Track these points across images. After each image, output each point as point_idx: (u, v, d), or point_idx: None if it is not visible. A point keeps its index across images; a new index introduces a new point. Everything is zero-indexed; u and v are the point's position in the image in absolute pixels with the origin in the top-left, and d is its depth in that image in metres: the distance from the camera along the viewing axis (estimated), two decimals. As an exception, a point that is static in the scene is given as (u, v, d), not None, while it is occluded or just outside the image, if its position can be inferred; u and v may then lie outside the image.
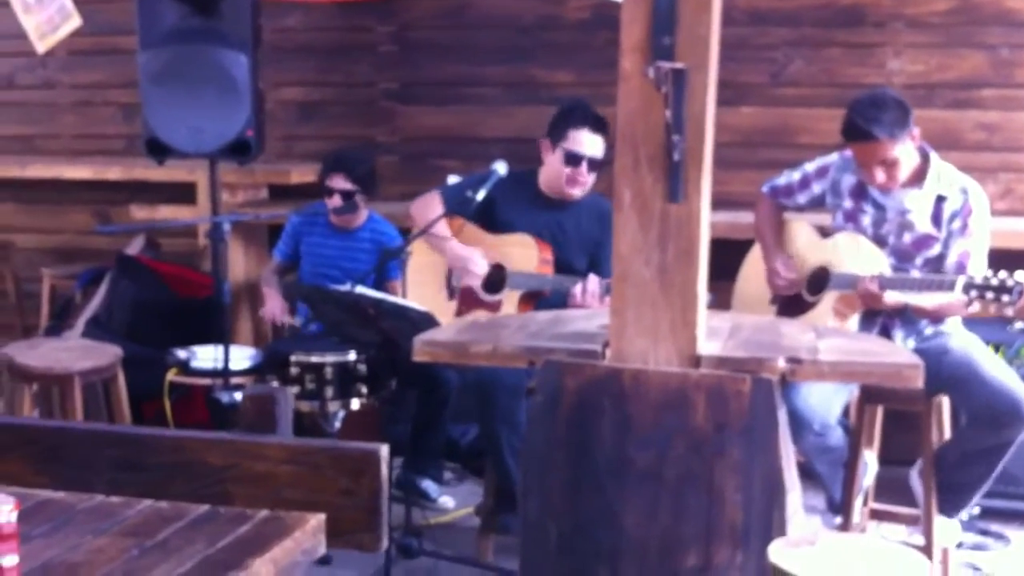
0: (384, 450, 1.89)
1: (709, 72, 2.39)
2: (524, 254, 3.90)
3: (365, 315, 3.37)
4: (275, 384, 3.82)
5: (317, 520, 1.81)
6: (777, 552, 2.13)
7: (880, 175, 3.38)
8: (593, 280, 3.72)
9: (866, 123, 3.30)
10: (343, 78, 5.21)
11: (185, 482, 1.91)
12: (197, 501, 1.87)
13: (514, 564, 3.50)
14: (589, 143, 3.87)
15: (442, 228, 3.93)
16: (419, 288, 3.81)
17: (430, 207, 3.97)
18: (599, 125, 3.87)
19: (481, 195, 3.72)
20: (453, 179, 4.64)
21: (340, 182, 4.26)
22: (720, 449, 2.42)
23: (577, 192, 3.91)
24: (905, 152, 3.36)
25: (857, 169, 3.49)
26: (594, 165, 3.88)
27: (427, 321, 3.13)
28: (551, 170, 3.92)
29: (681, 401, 2.43)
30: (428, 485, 4.17)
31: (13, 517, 1.47)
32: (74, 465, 1.97)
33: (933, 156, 3.45)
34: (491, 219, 3.96)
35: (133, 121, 5.32)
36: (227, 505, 1.87)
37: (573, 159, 3.86)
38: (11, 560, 1.47)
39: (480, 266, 3.91)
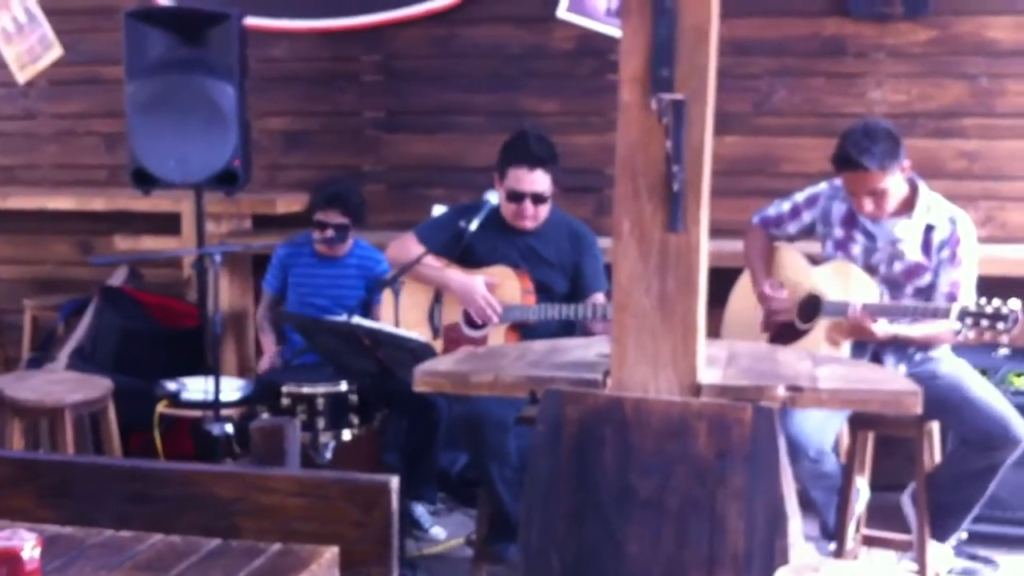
0: (395, 482, 1.89)
1: (707, 102, 2.42)
2: (506, 286, 3.91)
3: (361, 345, 3.36)
4: (265, 415, 3.81)
5: (331, 553, 1.81)
6: (783, 579, 2.14)
7: (868, 204, 3.42)
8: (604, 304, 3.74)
9: (858, 154, 3.34)
10: (329, 107, 5.22)
11: (194, 515, 1.90)
12: (206, 534, 1.86)
13: (508, 594, 3.52)
14: (528, 180, 3.87)
15: (431, 262, 3.93)
16: (402, 327, 3.81)
17: (408, 250, 3.97)
18: (537, 160, 3.86)
19: (475, 225, 3.73)
20: (438, 209, 4.65)
21: (336, 216, 4.26)
22: (722, 477, 2.43)
23: (529, 225, 3.93)
24: (895, 183, 3.41)
25: (846, 196, 3.53)
26: (538, 199, 3.89)
27: (425, 351, 3.13)
28: (503, 205, 3.94)
29: (683, 430, 2.44)
30: (422, 512, 4.17)
31: (36, 553, 1.46)
32: (81, 499, 1.96)
33: (922, 186, 3.50)
34: (469, 253, 3.97)
35: (115, 151, 5.31)
36: (236, 538, 1.86)
37: (515, 197, 3.89)
38: (32, 597, 1.47)
39: (480, 283, 3.89)
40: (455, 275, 3.92)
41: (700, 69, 2.41)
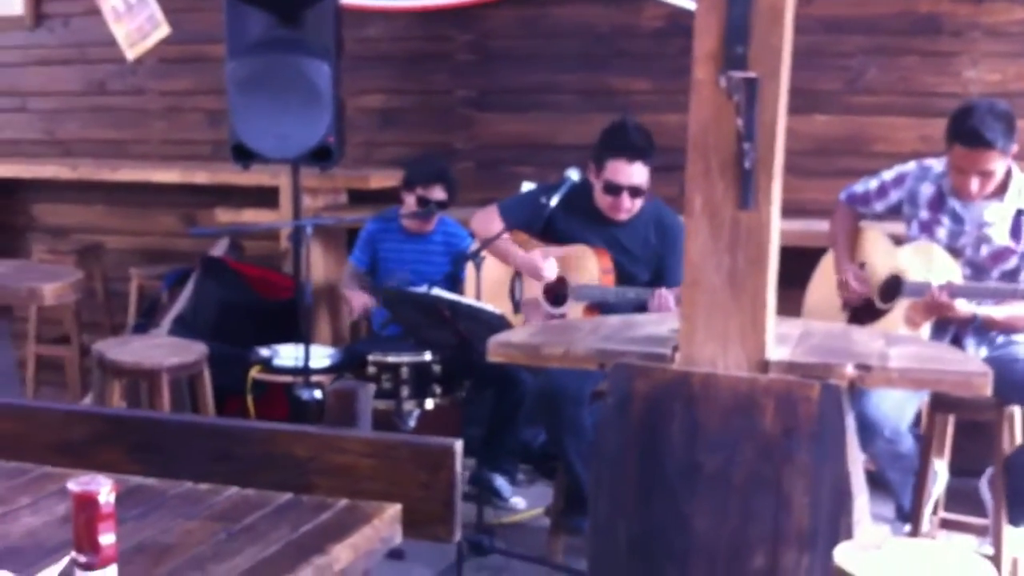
0: (459, 445, 1.96)
1: (781, 81, 2.43)
2: (584, 265, 3.95)
3: (441, 317, 3.45)
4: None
5: (394, 510, 1.89)
6: (843, 555, 2.16)
7: (975, 184, 3.37)
8: (666, 295, 3.75)
9: (985, 129, 3.29)
10: (421, 86, 5.32)
11: (271, 472, 2.00)
12: (282, 490, 1.97)
13: (583, 565, 3.57)
14: (626, 173, 3.88)
15: (506, 240, 3.99)
16: (484, 301, 3.88)
17: (490, 223, 4.03)
18: (636, 152, 3.88)
19: (555, 201, 3.79)
20: (527, 186, 4.72)
21: (438, 192, 4.37)
22: (788, 454, 2.45)
23: (623, 217, 3.95)
24: (1002, 167, 3.37)
25: (950, 174, 3.46)
26: (636, 192, 3.91)
27: (501, 323, 3.20)
28: (597, 195, 3.97)
29: (750, 406, 2.47)
30: (501, 483, 4.25)
31: (111, 498, 1.56)
32: (167, 455, 2.07)
33: (1015, 169, 3.45)
34: (552, 232, 4.02)
35: (219, 127, 5.48)
36: (310, 494, 1.96)
37: (612, 189, 3.91)
38: (109, 539, 1.57)
39: (550, 270, 3.96)
40: (521, 254, 3.96)
41: (774, 47, 2.42)
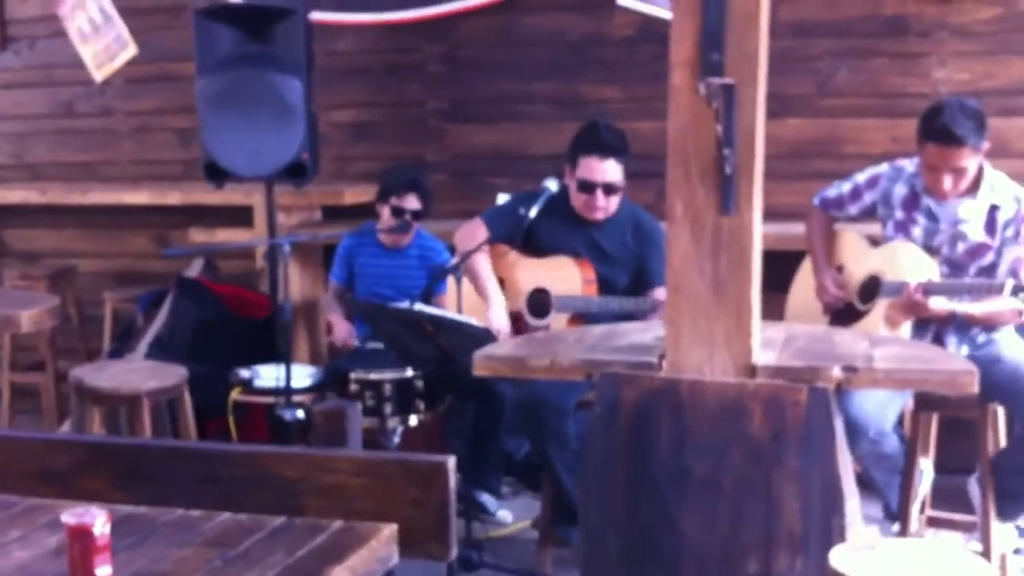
0: (451, 461, 1.95)
1: (758, 86, 2.44)
2: (567, 276, 3.94)
3: (423, 331, 3.44)
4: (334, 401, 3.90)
5: (390, 530, 1.88)
6: (839, 557, 2.16)
7: (947, 182, 3.39)
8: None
9: (955, 127, 3.31)
10: (393, 98, 5.30)
11: (261, 495, 1.99)
12: (272, 513, 1.95)
13: None
14: (600, 170, 3.88)
15: (484, 260, 3.97)
16: (465, 315, 3.86)
17: (474, 235, 4.02)
18: (609, 149, 3.88)
19: (534, 212, 3.78)
20: (502, 197, 4.71)
21: (413, 202, 4.35)
22: (778, 458, 2.45)
23: (599, 215, 3.94)
24: (973, 164, 3.39)
25: (923, 173, 3.49)
26: (610, 189, 3.91)
27: (485, 336, 3.19)
28: (573, 195, 3.97)
29: (738, 411, 2.47)
30: (487, 499, 4.23)
31: (107, 529, 1.55)
32: (153, 481, 2.05)
33: (986, 165, 3.48)
34: (532, 242, 4.01)
35: (189, 146, 5.45)
36: (301, 516, 1.94)
37: (586, 187, 3.91)
38: (105, 571, 1.55)
39: (504, 334, 3.87)
40: (495, 301, 3.91)
41: (751, 53, 2.43)
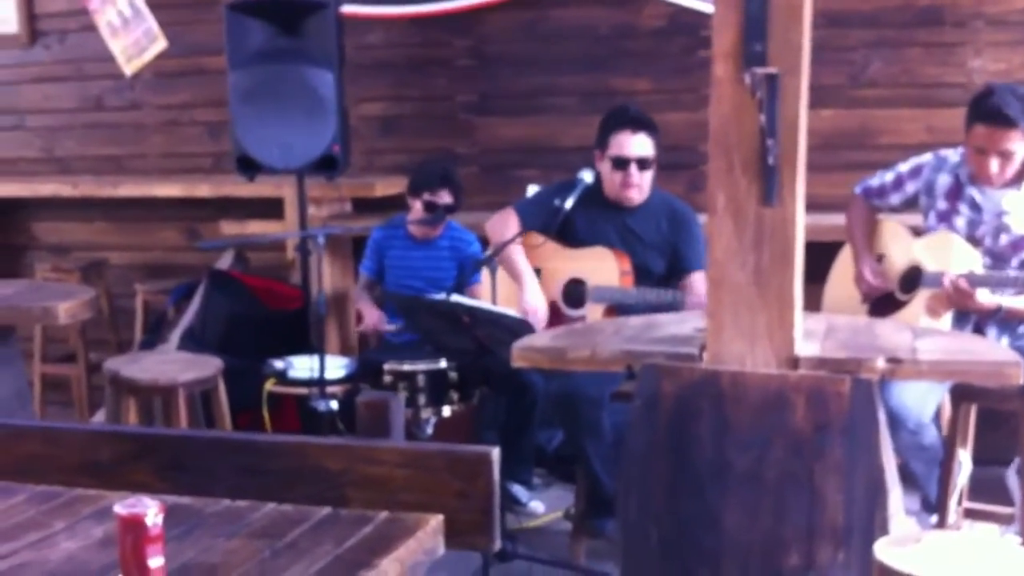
0: (496, 453, 1.95)
1: (801, 76, 2.42)
2: (604, 267, 3.93)
3: (459, 323, 3.43)
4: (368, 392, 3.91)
5: (436, 521, 1.87)
6: (883, 550, 2.14)
7: (994, 165, 3.37)
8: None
9: (1007, 107, 3.30)
10: (423, 92, 5.30)
11: (305, 486, 1.98)
12: (316, 504, 1.94)
13: (606, 567, 3.56)
14: (630, 144, 3.89)
15: (517, 247, 3.96)
16: (500, 305, 3.86)
17: (507, 225, 4.01)
18: (639, 124, 3.90)
19: (569, 203, 3.77)
20: (532, 189, 4.70)
21: (445, 196, 4.35)
22: (820, 450, 2.44)
23: (634, 195, 3.92)
24: (1021, 150, 3.36)
25: (968, 157, 3.46)
26: (643, 164, 3.90)
27: (522, 327, 3.18)
28: (606, 179, 3.96)
29: (780, 403, 2.45)
30: (518, 490, 4.22)
31: (159, 520, 1.54)
32: (197, 472, 2.05)
33: (1031, 157, 3.44)
34: (567, 232, 4.00)
35: (219, 139, 5.46)
36: (345, 508, 1.93)
37: (620, 163, 3.90)
38: (157, 561, 1.55)
39: (541, 316, 3.89)
40: (530, 285, 3.93)
41: (794, 43, 2.41)
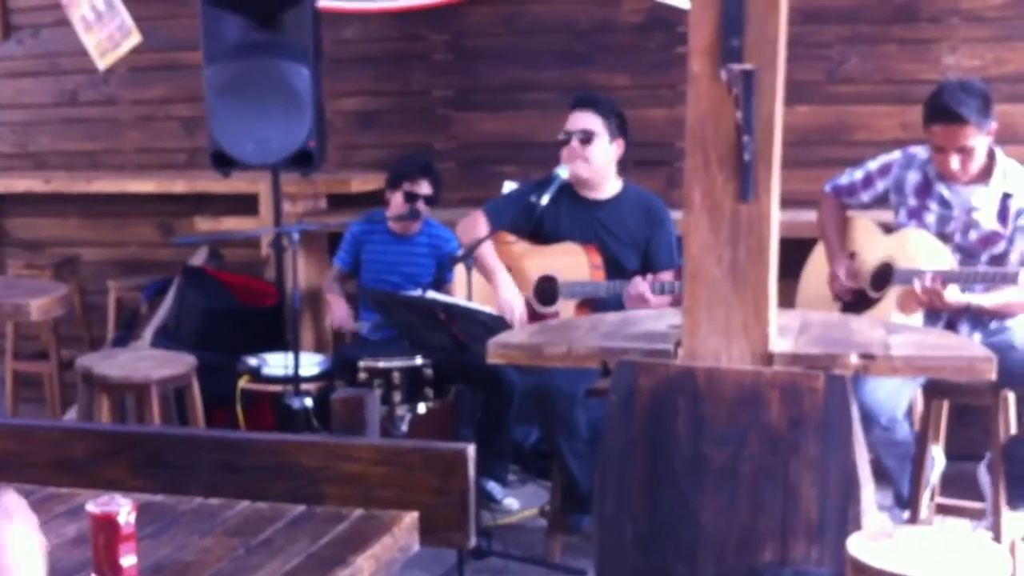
0: (471, 449, 1.95)
1: (777, 73, 2.43)
2: (574, 262, 3.93)
3: (436, 319, 3.43)
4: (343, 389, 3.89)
5: (411, 518, 1.87)
6: (856, 545, 2.16)
7: (955, 162, 3.39)
8: (638, 282, 3.73)
9: (956, 104, 3.31)
10: (400, 87, 5.28)
11: (280, 483, 1.97)
12: (292, 501, 1.94)
13: (582, 563, 3.57)
14: (574, 120, 3.94)
15: (489, 248, 3.97)
16: (475, 303, 3.85)
17: (476, 227, 4.01)
18: (582, 103, 3.96)
19: (545, 200, 3.77)
20: (509, 185, 4.69)
21: (425, 187, 4.35)
22: (795, 445, 2.45)
23: (580, 169, 3.90)
24: (981, 145, 3.38)
25: (931, 156, 3.49)
26: (586, 138, 3.91)
27: (498, 324, 3.18)
28: (563, 160, 3.96)
29: (755, 398, 2.46)
30: (493, 487, 4.22)
31: (132, 518, 1.53)
32: (172, 469, 2.04)
33: (999, 153, 3.47)
34: (540, 229, 4.00)
35: (194, 134, 5.43)
36: (321, 505, 1.93)
37: (564, 138, 3.94)
38: (130, 560, 1.54)
39: (519, 314, 3.89)
40: (504, 284, 3.94)
41: (770, 39, 2.42)
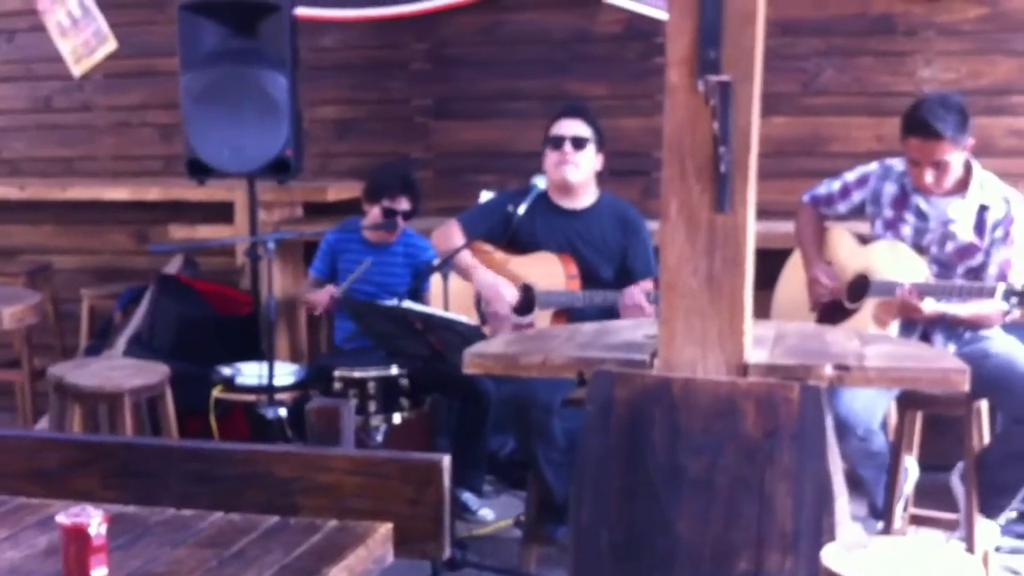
0: (446, 460, 1.94)
1: (754, 84, 2.43)
2: (550, 271, 3.93)
3: (412, 329, 3.42)
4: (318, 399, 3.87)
5: (386, 529, 1.86)
6: (831, 556, 2.16)
7: (930, 176, 3.41)
8: (633, 292, 3.74)
9: (934, 120, 3.33)
10: (378, 95, 5.28)
11: (254, 494, 1.96)
12: (266, 512, 1.92)
13: (558, 574, 3.56)
14: (566, 126, 3.96)
15: (467, 257, 3.97)
16: (451, 312, 3.85)
17: (450, 238, 4.01)
18: (573, 111, 3.99)
19: (523, 209, 3.77)
20: (486, 195, 4.69)
21: (404, 203, 4.33)
22: (770, 456, 2.45)
23: (570, 174, 3.92)
24: (957, 159, 3.41)
25: (906, 168, 3.51)
26: (578, 143, 3.93)
27: (474, 334, 3.17)
28: (548, 166, 3.98)
29: (731, 409, 2.46)
30: (469, 497, 4.21)
31: (103, 529, 1.52)
32: (144, 479, 2.02)
33: (975, 165, 3.49)
34: (514, 239, 4.00)
35: (170, 141, 5.40)
36: (295, 516, 1.91)
37: (556, 142, 3.94)
38: (101, 572, 1.52)
39: (509, 293, 3.93)
40: (483, 275, 3.94)
41: (747, 50, 2.43)
